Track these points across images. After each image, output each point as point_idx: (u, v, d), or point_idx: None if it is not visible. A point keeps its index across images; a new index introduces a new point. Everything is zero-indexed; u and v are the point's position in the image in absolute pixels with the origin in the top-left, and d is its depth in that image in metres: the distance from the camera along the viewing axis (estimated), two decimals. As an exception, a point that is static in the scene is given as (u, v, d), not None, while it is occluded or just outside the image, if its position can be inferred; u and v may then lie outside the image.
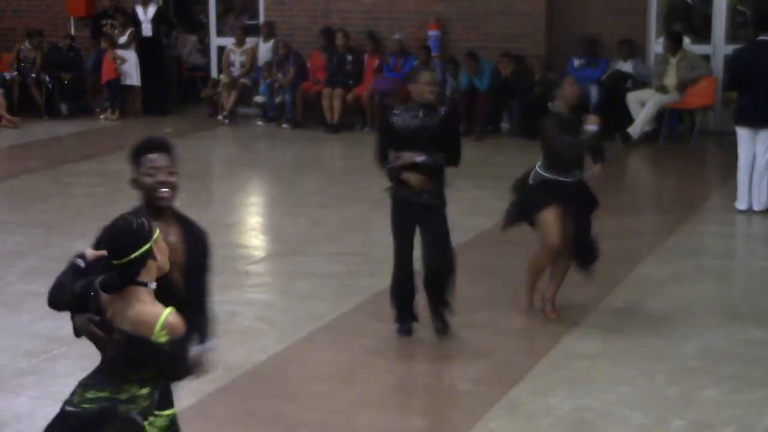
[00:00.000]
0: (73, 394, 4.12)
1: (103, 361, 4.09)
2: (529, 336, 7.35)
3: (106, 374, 4.05)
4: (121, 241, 3.94)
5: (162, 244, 4.00)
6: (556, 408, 6.15)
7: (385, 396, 6.42)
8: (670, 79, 14.73)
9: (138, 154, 4.51)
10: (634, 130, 14.65)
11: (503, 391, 6.39)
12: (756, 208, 10.60)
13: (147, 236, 3.93)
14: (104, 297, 3.97)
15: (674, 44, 14.81)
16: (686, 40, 15.88)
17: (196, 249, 4.48)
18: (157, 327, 3.84)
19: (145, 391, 3.99)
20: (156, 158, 4.47)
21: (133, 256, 3.89)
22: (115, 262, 3.92)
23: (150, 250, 3.92)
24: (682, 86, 14.65)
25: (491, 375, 6.72)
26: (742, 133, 10.68)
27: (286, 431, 5.91)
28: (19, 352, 7.11)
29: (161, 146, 4.51)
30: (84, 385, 4.09)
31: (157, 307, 3.90)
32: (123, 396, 3.98)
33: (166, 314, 3.86)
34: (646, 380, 6.55)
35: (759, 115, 10.51)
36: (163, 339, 3.83)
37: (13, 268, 9.09)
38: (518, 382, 6.51)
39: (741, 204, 10.71)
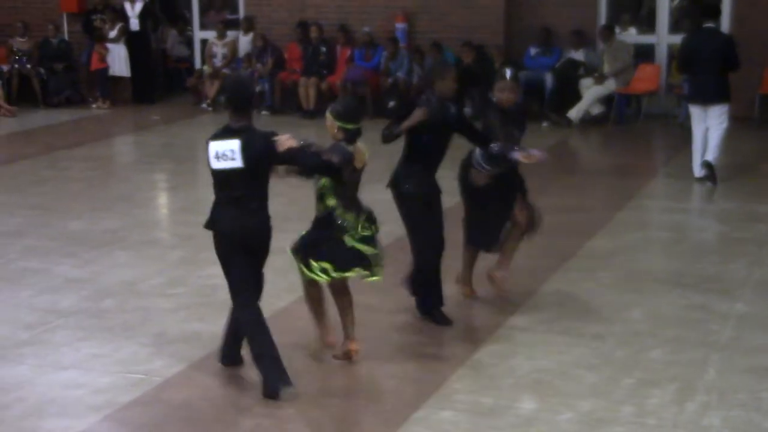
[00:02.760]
0: (344, 221, 6.03)
1: (343, 197, 6.03)
2: (491, 305, 7.37)
3: (354, 203, 6.07)
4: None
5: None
6: (516, 369, 6.19)
7: (358, 361, 6.43)
8: (606, 67, 14.84)
9: None
10: (571, 113, 14.74)
11: (468, 354, 6.42)
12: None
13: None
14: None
15: (607, 33, 14.92)
16: (632, 31, 15.97)
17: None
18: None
19: None
20: None
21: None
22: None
23: None
24: (612, 75, 14.73)
25: (457, 339, 6.75)
26: (694, 111, 10.96)
27: (268, 394, 5.91)
28: (19, 324, 7.08)
29: None
30: (350, 213, 6.05)
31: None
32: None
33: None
34: (598, 343, 6.60)
35: (708, 94, 10.82)
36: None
37: (12, 246, 9.04)
38: (481, 346, 6.55)
39: (700, 172, 10.98)
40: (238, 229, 5.80)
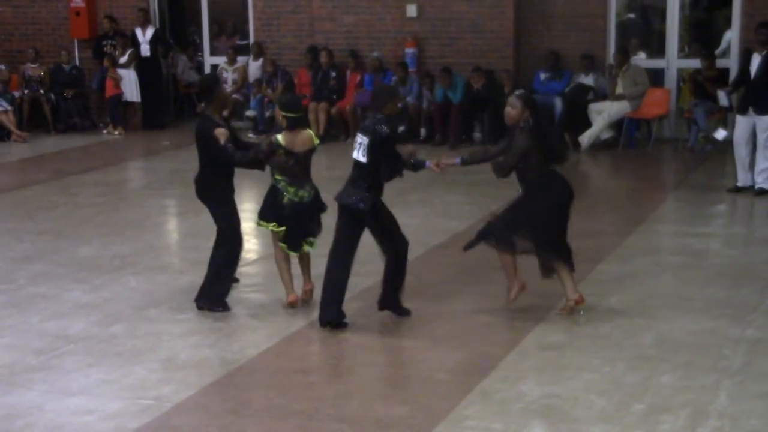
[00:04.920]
0: (286, 192, 7.64)
1: (289, 174, 7.63)
2: (500, 329, 7.36)
3: (298, 179, 7.65)
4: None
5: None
6: (525, 395, 6.17)
7: (369, 386, 6.42)
8: (620, 89, 14.88)
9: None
10: (582, 139, 14.75)
11: (477, 380, 6.40)
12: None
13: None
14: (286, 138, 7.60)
15: (621, 58, 14.95)
16: (642, 55, 16.02)
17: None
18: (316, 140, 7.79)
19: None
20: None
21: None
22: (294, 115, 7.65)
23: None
24: (624, 98, 14.79)
25: (466, 365, 6.73)
26: None
27: (277, 420, 5.91)
28: (28, 350, 7.08)
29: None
30: (292, 186, 7.67)
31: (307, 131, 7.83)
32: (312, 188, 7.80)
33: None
34: (608, 368, 6.57)
35: None
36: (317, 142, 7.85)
37: (22, 271, 9.06)
38: (491, 372, 6.53)
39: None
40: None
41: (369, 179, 7.23)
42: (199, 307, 7.85)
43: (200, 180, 7.89)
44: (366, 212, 7.23)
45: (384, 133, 7.18)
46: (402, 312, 7.59)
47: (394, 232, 7.47)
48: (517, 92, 7.76)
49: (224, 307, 7.81)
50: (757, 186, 11.62)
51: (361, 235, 7.38)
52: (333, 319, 7.32)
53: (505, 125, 7.57)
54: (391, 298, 7.56)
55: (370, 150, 7.18)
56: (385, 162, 7.23)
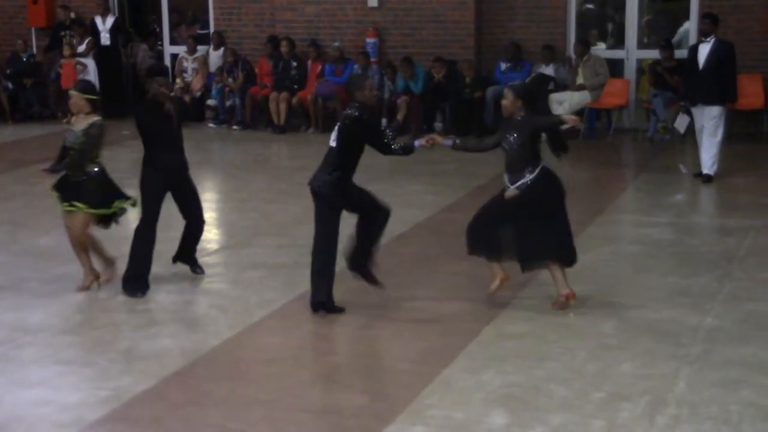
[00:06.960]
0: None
1: None
2: (462, 319, 7.37)
3: None
4: None
5: None
6: (487, 384, 6.18)
7: (331, 376, 6.41)
8: (580, 79, 14.95)
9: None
10: None
11: (439, 369, 6.41)
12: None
13: None
14: None
15: (583, 48, 15.02)
16: (602, 46, 16.11)
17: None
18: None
19: None
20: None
21: None
22: None
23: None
24: (585, 88, 14.87)
25: (428, 355, 6.74)
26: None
27: (239, 410, 5.88)
28: (-13, 342, 7.01)
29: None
30: None
31: None
32: None
33: None
34: (568, 357, 6.61)
35: None
36: None
37: (-20, 263, 8.96)
38: (452, 361, 6.54)
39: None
40: None
41: (335, 162, 7.37)
42: (128, 292, 7.92)
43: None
44: (326, 195, 7.37)
45: (352, 115, 7.34)
46: (369, 279, 7.65)
47: (369, 203, 7.53)
48: (510, 83, 7.89)
49: (142, 292, 7.92)
50: (704, 172, 11.75)
51: (339, 215, 7.44)
52: (323, 300, 7.35)
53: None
54: (359, 261, 7.62)
55: (340, 133, 7.36)
56: (374, 143, 7.42)
